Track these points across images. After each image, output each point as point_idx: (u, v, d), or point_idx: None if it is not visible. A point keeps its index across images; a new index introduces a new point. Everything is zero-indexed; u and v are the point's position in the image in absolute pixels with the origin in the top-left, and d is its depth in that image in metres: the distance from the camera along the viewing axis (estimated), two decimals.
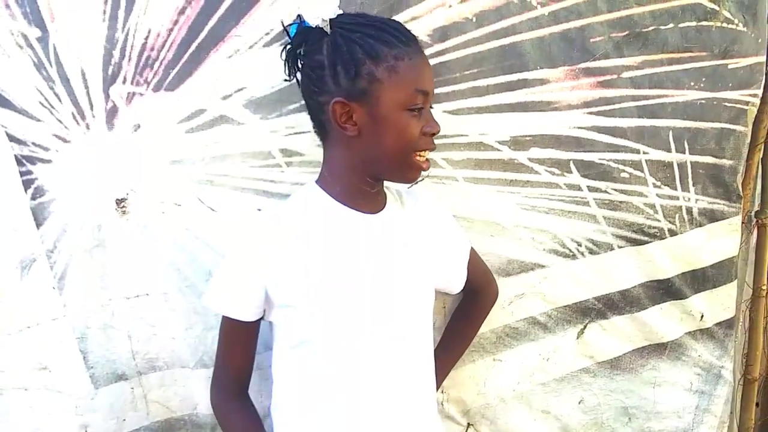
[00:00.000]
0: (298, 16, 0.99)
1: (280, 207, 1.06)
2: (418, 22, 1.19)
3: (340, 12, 1.00)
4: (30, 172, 1.08)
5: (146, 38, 1.08)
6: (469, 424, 1.41)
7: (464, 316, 1.28)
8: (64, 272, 1.11)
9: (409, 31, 0.98)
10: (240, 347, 1.05)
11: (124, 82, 1.08)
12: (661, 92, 1.34)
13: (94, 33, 1.06)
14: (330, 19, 0.95)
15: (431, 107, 1.00)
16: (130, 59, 1.08)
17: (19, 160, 1.07)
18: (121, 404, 1.19)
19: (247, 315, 0.99)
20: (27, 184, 1.08)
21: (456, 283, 1.21)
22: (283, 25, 1.01)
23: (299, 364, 1.00)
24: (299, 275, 0.96)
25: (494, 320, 1.36)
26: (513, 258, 1.34)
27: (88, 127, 1.08)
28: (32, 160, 1.07)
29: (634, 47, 1.31)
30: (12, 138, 1.06)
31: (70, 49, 1.05)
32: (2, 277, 1.10)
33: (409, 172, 1.00)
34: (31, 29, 1.04)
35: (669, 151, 1.38)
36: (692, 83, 1.36)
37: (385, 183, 1.07)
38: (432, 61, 1.19)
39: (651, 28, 1.31)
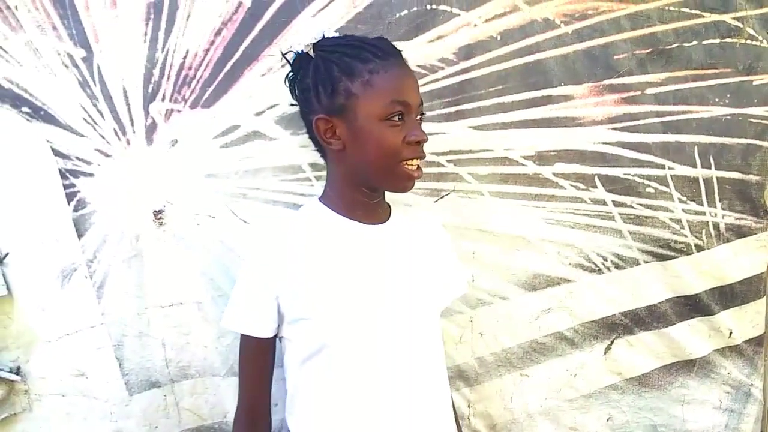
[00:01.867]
0: (290, 46, 1.04)
1: (285, 223, 1.08)
2: (444, 41, 1.23)
3: (324, 36, 1.03)
4: (73, 185, 1.13)
5: (184, 58, 1.13)
6: None
7: None
8: (103, 281, 1.16)
9: (391, 46, 1.01)
10: (258, 365, 1.05)
11: (163, 99, 1.14)
12: (685, 108, 1.35)
13: (136, 53, 1.12)
14: (312, 44, 1.01)
15: (421, 116, 1.03)
16: (169, 78, 1.13)
17: (63, 174, 1.13)
18: (154, 411, 1.22)
19: (264, 331, 1.01)
20: (70, 197, 1.14)
21: (450, 296, 1.19)
22: (282, 55, 1.06)
23: (313, 375, 1.00)
24: (309, 288, 0.98)
25: (521, 335, 1.37)
26: (539, 272, 1.35)
27: (128, 142, 1.14)
28: (75, 174, 1.13)
29: (658, 64, 1.32)
30: (57, 152, 1.13)
31: (113, 68, 1.12)
32: (44, 285, 1.16)
33: (398, 181, 1.01)
34: (77, 50, 1.10)
35: (694, 166, 1.38)
36: (717, 99, 1.36)
37: (391, 197, 1.10)
38: (457, 78, 1.24)
39: (675, 45, 1.32)
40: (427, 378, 1.05)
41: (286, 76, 1.07)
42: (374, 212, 1.05)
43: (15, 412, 1.19)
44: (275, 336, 1.03)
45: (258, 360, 1.04)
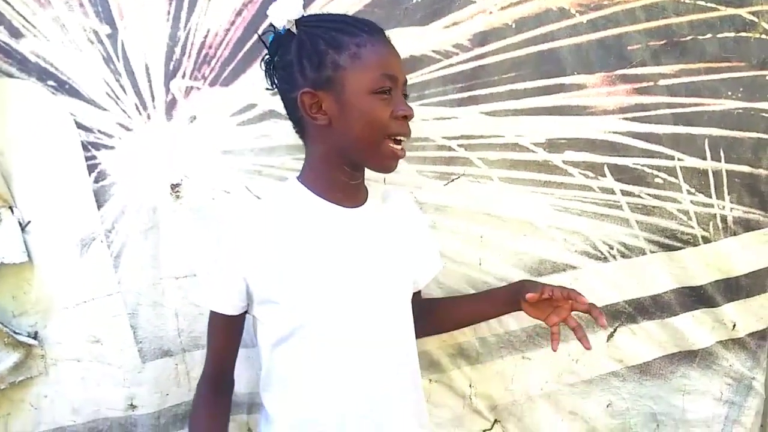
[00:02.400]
0: (270, 24, 1.01)
1: (259, 203, 1.09)
2: (459, 27, 1.24)
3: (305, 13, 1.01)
4: (94, 157, 1.17)
5: (205, 37, 1.17)
6: (496, 420, 1.43)
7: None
8: (120, 251, 1.20)
9: (374, 24, 1.01)
10: (224, 339, 1.07)
11: (183, 76, 1.17)
12: (697, 101, 1.36)
13: (159, 31, 1.15)
14: (295, 20, 0.98)
15: (406, 95, 1.03)
16: (189, 56, 1.17)
17: (85, 146, 1.17)
18: (165, 379, 1.27)
19: (230, 309, 1.01)
20: (91, 168, 1.18)
21: (423, 277, 1.21)
22: (259, 36, 1.07)
23: (286, 356, 1.01)
24: (279, 271, 0.98)
25: (525, 319, 1.38)
26: (545, 258, 1.37)
27: (149, 117, 1.17)
28: (97, 146, 1.17)
29: (672, 56, 1.33)
30: (80, 125, 1.17)
31: (136, 45, 1.15)
32: (63, 254, 1.20)
33: (383, 158, 1.00)
34: (102, 26, 1.14)
35: (704, 158, 1.38)
36: (729, 93, 1.37)
37: (368, 179, 1.09)
38: (471, 65, 1.26)
39: (689, 38, 1.33)
40: (399, 359, 1.06)
41: (262, 58, 1.06)
42: (353, 194, 1.05)
43: (31, 376, 1.24)
44: (243, 313, 1.04)
45: (224, 334, 1.06)
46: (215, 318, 1.04)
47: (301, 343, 1.00)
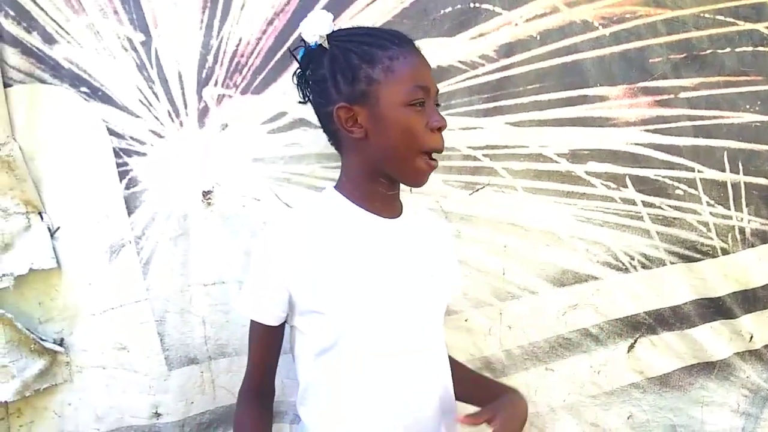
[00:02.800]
0: (301, 39, 1.02)
1: (299, 212, 1.09)
2: (486, 39, 1.27)
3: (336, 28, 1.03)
4: (126, 164, 1.18)
5: (237, 46, 1.19)
6: None
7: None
8: (150, 258, 1.21)
9: (404, 35, 1.02)
10: (265, 349, 1.06)
11: (215, 84, 1.19)
12: (717, 113, 1.38)
13: (192, 39, 1.17)
14: (327, 35, 1.00)
15: (438, 104, 1.04)
16: (222, 64, 1.19)
17: (117, 153, 1.19)
18: (191, 387, 1.27)
19: (272, 320, 1.01)
20: (122, 175, 1.19)
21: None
22: (290, 51, 1.08)
23: (326, 369, 1.00)
24: (324, 282, 0.98)
25: (548, 330, 1.41)
26: (567, 268, 1.39)
27: (181, 124, 1.19)
28: (129, 153, 1.18)
29: (692, 69, 1.36)
30: (112, 132, 1.18)
31: (169, 53, 1.17)
32: (92, 260, 1.21)
33: (417, 174, 1.01)
34: (136, 34, 1.16)
35: (723, 170, 1.41)
36: (748, 106, 1.39)
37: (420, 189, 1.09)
38: (496, 76, 1.28)
39: (708, 52, 1.36)
40: (436, 370, 1.07)
41: (294, 72, 1.07)
42: (390, 205, 1.06)
43: (56, 383, 1.23)
44: (284, 323, 1.04)
45: (265, 344, 1.05)
46: (257, 328, 1.04)
47: (343, 354, 0.99)
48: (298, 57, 1.04)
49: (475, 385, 1.20)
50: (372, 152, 1.00)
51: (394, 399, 1.00)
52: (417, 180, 1.02)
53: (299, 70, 1.06)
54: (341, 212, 1.02)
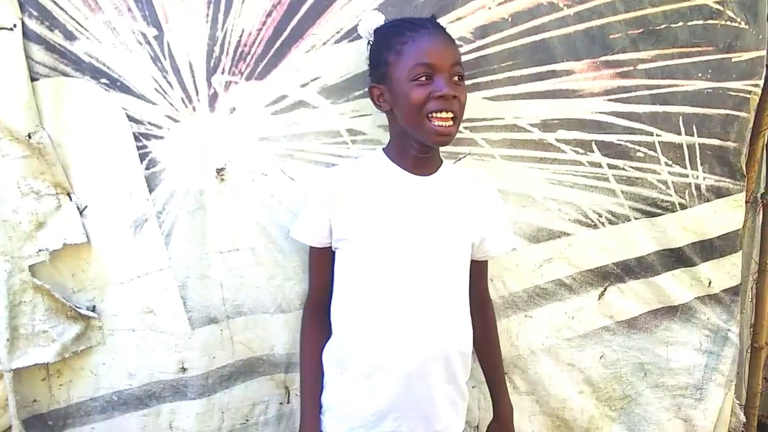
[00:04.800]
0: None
1: (348, 166, 1.32)
2: (462, 22, 1.39)
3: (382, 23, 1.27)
4: (145, 147, 1.30)
5: (240, 36, 1.30)
6: (503, 373, 1.59)
7: (483, 331, 1.41)
8: (171, 230, 1.33)
9: (425, 21, 1.21)
10: (317, 268, 1.31)
11: (223, 72, 1.30)
12: (672, 82, 1.52)
13: (200, 32, 1.28)
14: (373, 30, 1.25)
15: (460, 78, 1.19)
16: (227, 53, 1.30)
17: (137, 137, 1.30)
18: (212, 344, 1.40)
19: (314, 242, 1.26)
20: (142, 157, 1.31)
21: (495, 246, 1.36)
22: (367, 45, 1.29)
23: (348, 285, 1.24)
24: (352, 216, 1.21)
25: (526, 281, 1.55)
26: (542, 226, 1.53)
27: (194, 109, 1.31)
28: (147, 137, 1.30)
29: (648, 43, 1.48)
30: (131, 118, 1.29)
31: (180, 45, 1.28)
32: (118, 234, 1.32)
33: (429, 135, 1.17)
34: (149, 29, 1.27)
35: (679, 134, 1.54)
36: (700, 74, 1.53)
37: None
38: (473, 55, 1.40)
39: (663, 26, 1.48)
40: (445, 301, 1.25)
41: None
42: (422, 165, 1.26)
43: (91, 345, 1.36)
44: (329, 247, 1.27)
45: (318, 263, 1.30)
46: (310, 250, 1.30)
47: (363, 274, 1.22)
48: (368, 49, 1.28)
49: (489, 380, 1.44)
50: (398, 121, 1.21)
51: (405, 320, 1.21)
52: (434, 140, 1.19)
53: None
54: (379, 167, 1.26)
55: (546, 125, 1.48)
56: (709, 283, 1.67)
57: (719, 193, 1.62)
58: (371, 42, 1.26)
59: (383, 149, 1.29)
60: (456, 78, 1.18)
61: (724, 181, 1.62)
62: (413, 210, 1.23)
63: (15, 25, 1.20)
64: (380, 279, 1.21)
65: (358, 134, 1.38)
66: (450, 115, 1.16)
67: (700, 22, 1.50)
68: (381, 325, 1.21)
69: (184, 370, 1.39)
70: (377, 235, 1.21)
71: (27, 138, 1.22)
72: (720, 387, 1.72)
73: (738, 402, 1.83)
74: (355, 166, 1.30)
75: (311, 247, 1.29)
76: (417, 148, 1.23)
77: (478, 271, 1.36)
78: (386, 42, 1.19)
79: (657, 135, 1.54)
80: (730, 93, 1.56)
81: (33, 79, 1.23)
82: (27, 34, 1.22)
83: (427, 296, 1.22)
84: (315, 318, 1.31)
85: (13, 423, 1.31)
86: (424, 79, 1.15)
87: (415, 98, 1.15)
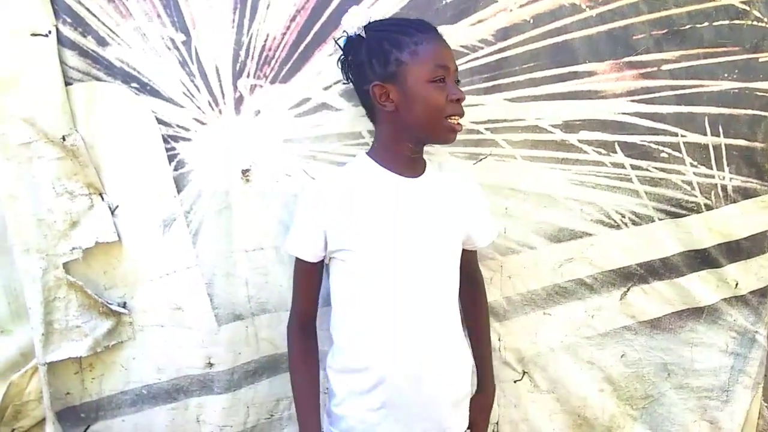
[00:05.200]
0: (343, 30, 1.25)
1: (334, 173, 1.32)
2: (484, 24, 1.40)
3: (372, 20, 1.25)
4: (174, 149, 1.35)
5: (265, 41, 1.33)
6: (524, 371, 1.60)
7: (473, 305, 1.46)
8: (198, 229, 1.38)
9: (428, 23, 1.23)
10: (306, 285, 1.28)
11: (248, 76, 1.34)
12: (697, 82, 1.50)
13: (226, 37, 1.32)
14: (364, 27, 1.22)
15: (458, 81, 1.23)
16: (252, 58, 1.33)
17: (165, 139, 1.34)
18: (238, 340, 1.43)
19: (310, 256, 1.24)
20: (171, 158, 1.35)
21: (482, 238, 1.38)
22: (335, 41, 1.28)
23: (352, 294, 1.23)
24: (351, 225, 1.20)
25: (545, 279, 1.55)
26: (564, 226, 1.53)
27: (220, 112, 1.35)
28: (176, 139, 1.34)
29: (673, 43, 1.47)
30: (160, 121, 1.33)
31: (207, 50, 1.32)
32: (148, 233, 1.37)
33: (443, 133, 1.21)
34: (178, 35, 1.31)
35: (705, 134, 1.52)
36: (726, 75, 1.51)
37: (429, 156, 1.32)
38: (494, 57, 1.42)
39: (688, 27, 1.47)
40: (438, 304, 1.26)
41: (338, 58, 1.28)
42: (413, 166, 1.27)
43: (122, 340, 1.40)
44: (321, 262, 1.26)
45: (307, 278, 1.28)
46: (300, 265, 1.27)
47: (365, 282, 1.22)
48: (342, 45, 1.25)
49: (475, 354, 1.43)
50: (402, 121, 1.21)
51: (407, 322, 1.22)
52: (445, 138, 1.24)
53: (342, 56, 1.27)
54: (369, 172, 1.25)
55: (568, 126, 1.48)
56: (736, 284, 1.64)
57: (746, 194, 1.59)
58: (365, 40, 1.22)
59: (367, 153, 1.27)
60: (457, 82, 1.23)
61: (751, 182, 1.59)
62: (410, 212, 1.24)
63: (50, 32, 1.26)
64: (385, 283, 1.21)
65: None
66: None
67: (726, 22, 1.49)
68: (386, 329, 1.22)
69: (210, 365, 1.43)
70: (380, 240, 1.21)
71: (62, 140, 1.28)
72: (747, 389, 1.69)
73: (766, 404, 1.80)
74: (343, 174, 1.28)
75: (300, 264, 1.26)
76: (411, 149, 1.25)
77: (469, 256, 1.39)
78: (394, 41, 1.18)
79: (682, 135, 1.52)
80: (758, 93, 1.53)
81: (67, 84, 1.29)
82: (61, 40, 1.28)
83: (428, 295, 1.24)
84: (303, 338, 1.30)
85: (47, 415, 1.37)
86: (440, 81, 1.17)
87: (436, 100, 1.18)
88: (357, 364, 1.23)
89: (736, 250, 1.62)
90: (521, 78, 1.44)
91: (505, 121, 1.45)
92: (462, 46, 1.40)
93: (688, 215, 1.57)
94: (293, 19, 1.33)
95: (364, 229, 1.21)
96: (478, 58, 1.42)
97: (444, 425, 1.27)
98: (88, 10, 1.28)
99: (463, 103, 1.21)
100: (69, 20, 1.27)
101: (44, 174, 1.29)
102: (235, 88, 1.34)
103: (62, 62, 1.28)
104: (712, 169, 1.56)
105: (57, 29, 1.27)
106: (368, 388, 1.22)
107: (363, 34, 1.21)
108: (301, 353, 1.29)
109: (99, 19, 1.29)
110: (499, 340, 1.56)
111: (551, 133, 1.48)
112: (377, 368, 1.21)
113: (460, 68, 1.37)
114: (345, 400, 1.25)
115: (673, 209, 1.56)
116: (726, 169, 1.57)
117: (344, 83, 1.31)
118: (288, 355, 1.31)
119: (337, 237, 1.21)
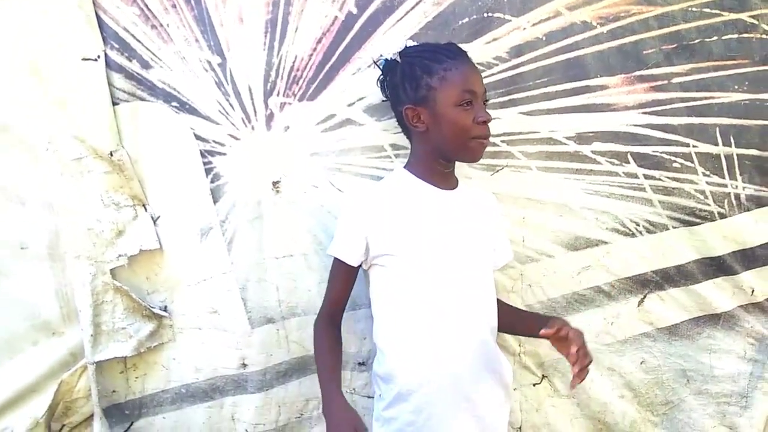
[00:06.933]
0: (380, 54, 1.35)
1: (375, 184, 1.41)
2: (498, 42, 1.48)
3: (409, 44, 1.35)
4: (210, 162, 1.44)
5: (294, 62, 1.43)
6: (543, 376, 1.64)
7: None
8: (232, 237, 1.46)
9: (459, 48, 1.31)
10: (342, 284, 1.34)
11: (278, 94, 1.44)
12: (708, 94, 1.54)
13: (258, 59, 1.42)
14: (399, 52, 1.31)
15: (485, 102, 1.30)
16: (282, 78, 1.43)
17: (203, 154, 1.44)
18: (270, 342, 1.50)
19: (351, 259, 1.29)
20: (208, 171, 1.44)
21: (500, 257, 1.45)
22: (374, 62, 1.37)
23: (393, 299, 1.29)
24: (394, 232, 1.27)
25: (564, 287, 1.60)
26: (580, 235, 1.58)
27: (253, 128, 1.44)
28: (212, 153, 1.44)
29: (683, 57, 1.53)
30: (198, 137, 1.43)
31: (240, 71, 1.42)
32: (187, 241, 1.46)
33: (469, 153, 1.30)
34: (214, 57, 1.41)
35: (716, 144, 1.56)
36: (736, 86, 1.55)
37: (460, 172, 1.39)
38: (509, 73, 1.49)
39: (697, 41, 1.52)
40: (480, 309, 1.32)
41: (378, 78, 1.38)
42: (447, 180, 1.35)
43: (163, 342, 1.48)
44: (359, 266, 1.31)
45: (344, 278, 1.33)
46: (338, 266, 1.32)
47: (407, 288, 1.27)
48: (380, 66, 1.35)
49: (519, 318, 1.47)
50: (432, 141, 1.29)
51: (449, 325, 1.28)
52: (472, 159, 1.33)
53: (381, 77, 1.37)
54: (408, 184, 1.33)
55: (581, 138, 1.53)
56: (752, 291, 1.65)
57: (760, 202, 1.61)
58: (399, 64, 1.31)
59: (405, 167, 1.36)
60: (484, 103, 1.30)
61: (765, 191, 1.61)
62: (449, 220, 1.31)
63: (99, 56, 1.38)
64: (426, 290, 1.27)
65: (401, 149, 1.48)
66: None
67: (735, 35, 1.53)
68: (430, 335, 1.27)
69: (244, 366, 1.50)
70: (422, 244, 1.27)
71: (109, 156, 1.39)
72: (766, 395, 1.69)
73: None
74: (384, 185, 1.36)
75: (339, 264, 1.31)
76: (444, 164, 1.33)
77: None
78: (425, 67, 1.26)
79: (693, 146, 1.56)
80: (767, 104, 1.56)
81: (114, 104, 1.40)
82: (109, 64, 1.39)
83: (469, 302, 1.30)
84: (328, 329, 1.35)
85: (95, 411, 1.45)
86: (467, 104, 1.25)
87: (463, 123, 1.26)
88: (401, 368, 1.29)
89: (752, 258, 1.64)
90: (535, 92, 1.50)
91: (520, 133, 1.51)
92: (478, 63, 1.45)
93: (702, 223, 1.60)
94: (319, 41, 1.43)
95: (406, 235, 1.27)
96: (493, 75, 1.49)
97: (486, 422, 1.31)
98: (133, 36, 1.40)
99: None
100: (116, 45, 1.39)
101: (93, 187, 1.40)
102: (266, 105, 1.44)
103: (110, 84, 1.39)
104: (724, 178, 1.59)
105: (105, 54, 1.38)
106: (413, 390, 1.27)
107: (398, 58, 1.31)
108: (328, 338, 1.34)
109: (143, 44, 1.40)
110: (519, 345, 1.60)
111: (565, 144, 1.53)
112: (420, 371, 1.27)
113: None
114: (392, 404, 1.30)
115: (686, 217, 1.60)
116: (739, 178, 1.59)
117: (383, 101, 1.41)
118: (314, 342, 1.36)
119: (379, 242, 1.27)
